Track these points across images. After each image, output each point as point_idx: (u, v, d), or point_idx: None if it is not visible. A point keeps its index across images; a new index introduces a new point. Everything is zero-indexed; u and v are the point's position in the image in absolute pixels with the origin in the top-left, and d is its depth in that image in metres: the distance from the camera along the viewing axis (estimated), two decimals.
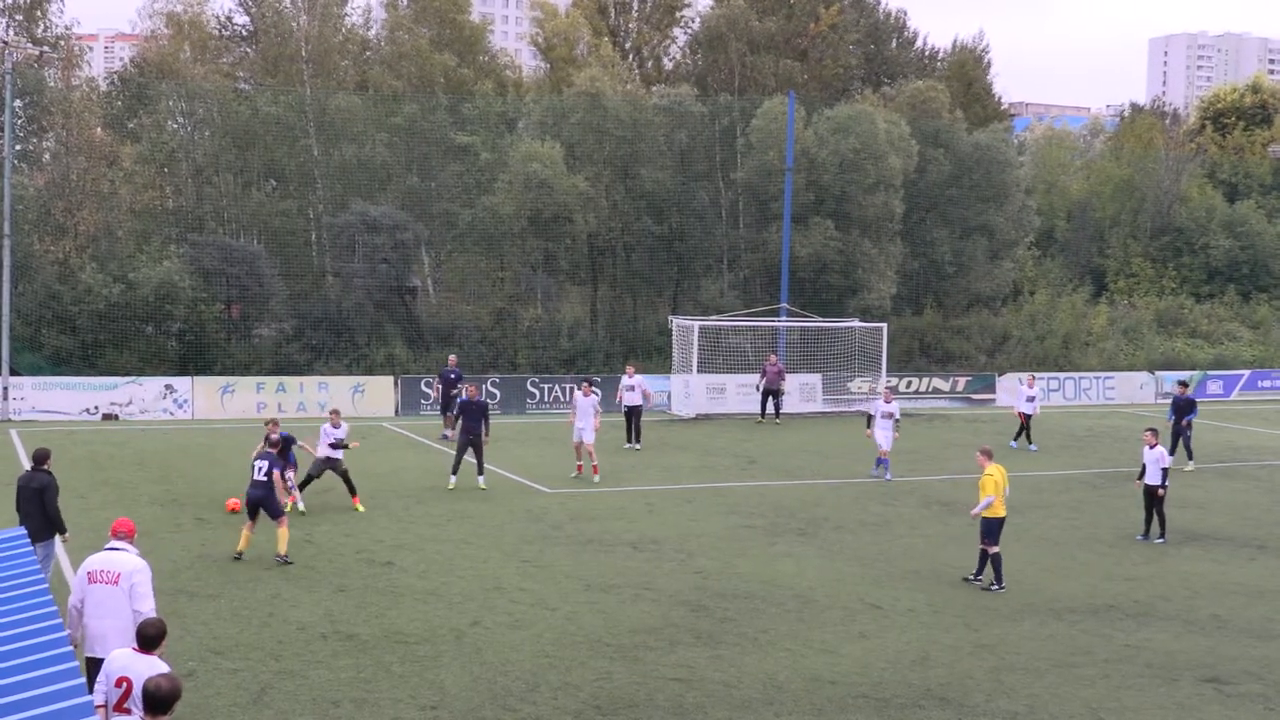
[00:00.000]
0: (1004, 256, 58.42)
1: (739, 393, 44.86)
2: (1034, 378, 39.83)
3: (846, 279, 51.74)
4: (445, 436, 35.88)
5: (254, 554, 21.07)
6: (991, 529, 20.52)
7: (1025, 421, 37.38)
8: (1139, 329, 58.89)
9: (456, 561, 21.36)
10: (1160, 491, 24.33)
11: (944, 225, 56.62)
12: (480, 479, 27.88)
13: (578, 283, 53.74)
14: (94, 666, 11.88)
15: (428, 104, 50.88)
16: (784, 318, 47.14)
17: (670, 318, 46.51)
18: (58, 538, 17.41)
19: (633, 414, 35.64)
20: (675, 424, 41.95)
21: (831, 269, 51.49)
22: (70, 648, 10.15)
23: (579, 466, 29.66)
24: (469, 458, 28.09)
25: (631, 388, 35.86)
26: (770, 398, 42.58)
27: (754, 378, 44.34)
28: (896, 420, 31.37)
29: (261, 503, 20.98)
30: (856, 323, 47.47)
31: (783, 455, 35.21)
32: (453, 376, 36.41)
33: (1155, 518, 24.64)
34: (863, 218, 52.04)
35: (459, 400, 29.11)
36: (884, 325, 46.67)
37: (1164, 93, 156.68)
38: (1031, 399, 37.36)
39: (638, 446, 35.00)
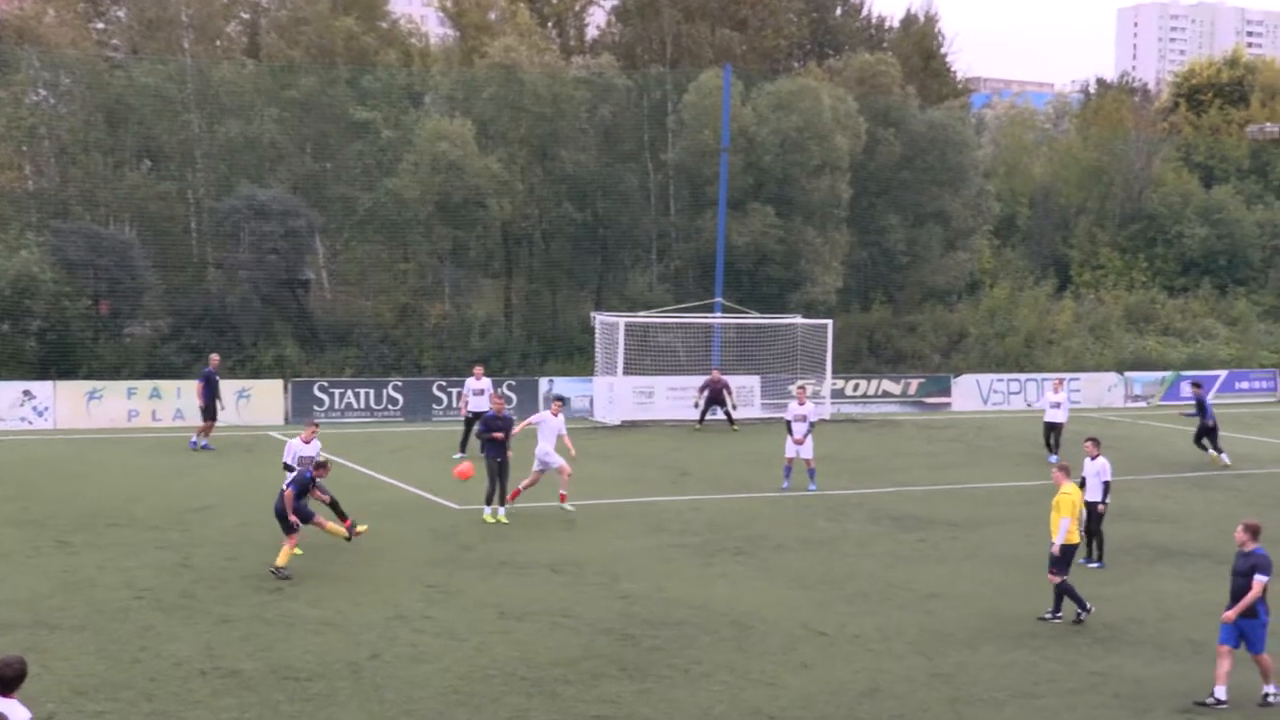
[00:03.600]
0: (960, 246, 58.89)
1: (669, 397, 44.89)
2: (1061, 381, 39.93)
3: (788, 270, 51.92)
4: (194, 445, 35.44)
5: (121, 580, 20.75)
6: (1065, 556, 20.32)
7: (1051, 431, 37.26)
8: (1107, 326, 59.55)
9: (354, 587, 21.19)
10: (1100, 508, 24.27)
11: (895, 212, 56.99)
12: (501, 510, 26.88)
13: (490, 275, 53.54)
14: None
15: (325, 76, 50.49)
16: (719, 313, 47.24)
17: (593, 314, 46.45)
18: None
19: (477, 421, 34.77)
20: (598, 431, 41.87)
21: (772, 260, 51.64)
22: None
23: (514, 492, 27.45)
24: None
25: (480, 392, 35.14)
26: (716, 406, 42.70)
27: (686, 379, 44.43)
28: (811, 425, 31.35)
29: (278, 516, 21.94)
30: (799, 319, 47.63)
31: (718, 466, 35.25)
32: (218, 379, 35.91)
33: (1095, 537, 24.49)
34: (806, 203, 52.25)
35: (486, 415, 27.43)
36: (829, 322, 46.87)
37: (1134, 67, 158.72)
38: (1057, 405, 37.30)
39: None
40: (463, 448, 34.89)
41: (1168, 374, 54.85)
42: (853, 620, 20.09)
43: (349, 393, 42.77)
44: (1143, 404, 53.36)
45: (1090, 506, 24.02)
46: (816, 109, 51.60)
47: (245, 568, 22.28)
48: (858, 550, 25.11)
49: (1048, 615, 20.50)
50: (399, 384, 43.61)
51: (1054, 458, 36.68)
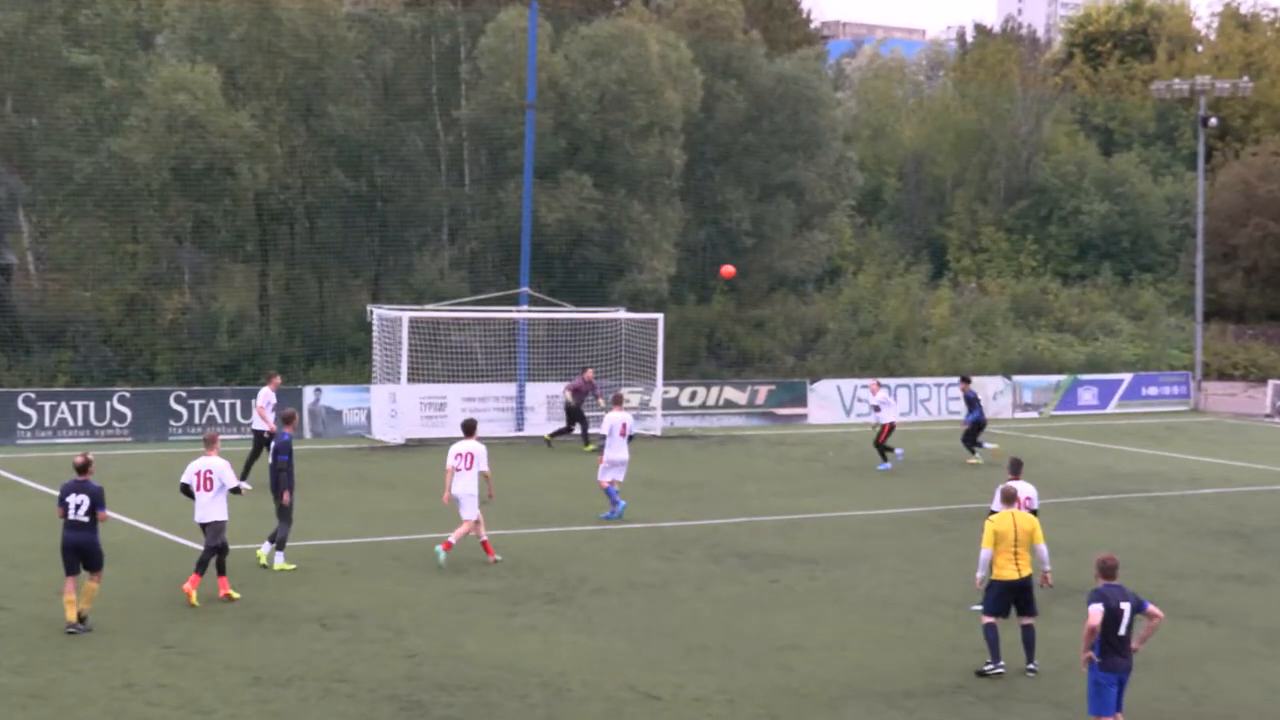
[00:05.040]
0: (817, 225, 59.59)
1: (466, 409, 44.66)
2: (879, 383, 43.59)
3: (610, 254, 52.04)
4: None
5: None
6: (986, 594, 20.67)
7: (887, 434, 40.32)
8: (991, 320, 60.72)
9: (69, 650, 20.76)
10: None
11: (738, 183, 57.45)
12: (279, 555, 26.34)
13: (242, 259, 52.86)
14: None
15: (31, 10, 49.38)
16: (525, 306, 47.14)
17: (370, 307, 46.10)
18: None
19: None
20: (377, 453, 41.54)
21: (589, 240, 51.71)
22: None
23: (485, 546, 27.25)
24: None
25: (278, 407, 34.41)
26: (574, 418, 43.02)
27: (486, 387, 44.35)
28: (630, 439, 31.56)
29: (84, 550, 21.73)
30: (623, 313, 47.77)
31: (526, 494, 35.16)
32: None
33: None
34: (631, 172, 52.40)
35: (283, 438, 26.33)
36: (659, 316, 47.08)
37: (1020, 11, 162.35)
38: (878, 408, 40.84)
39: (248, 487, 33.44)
40: (245, 473, 34.05)
41: (1063, 378, 56.07)
42: (691, 679, 20.15)
43: (63, 406, 41.93)
44: (1034, 414, 54.50)
45: None
46: (642, 57, 51.79)
47: None
48: (696, 594, 25.21)
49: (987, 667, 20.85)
50: (126, 395, 42.83)
51: (888, 464, 39.86)
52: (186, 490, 24.00)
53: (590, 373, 43.82)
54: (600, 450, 31.80)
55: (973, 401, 41.78)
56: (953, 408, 53.08)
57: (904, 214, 68.67)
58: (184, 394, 43.38)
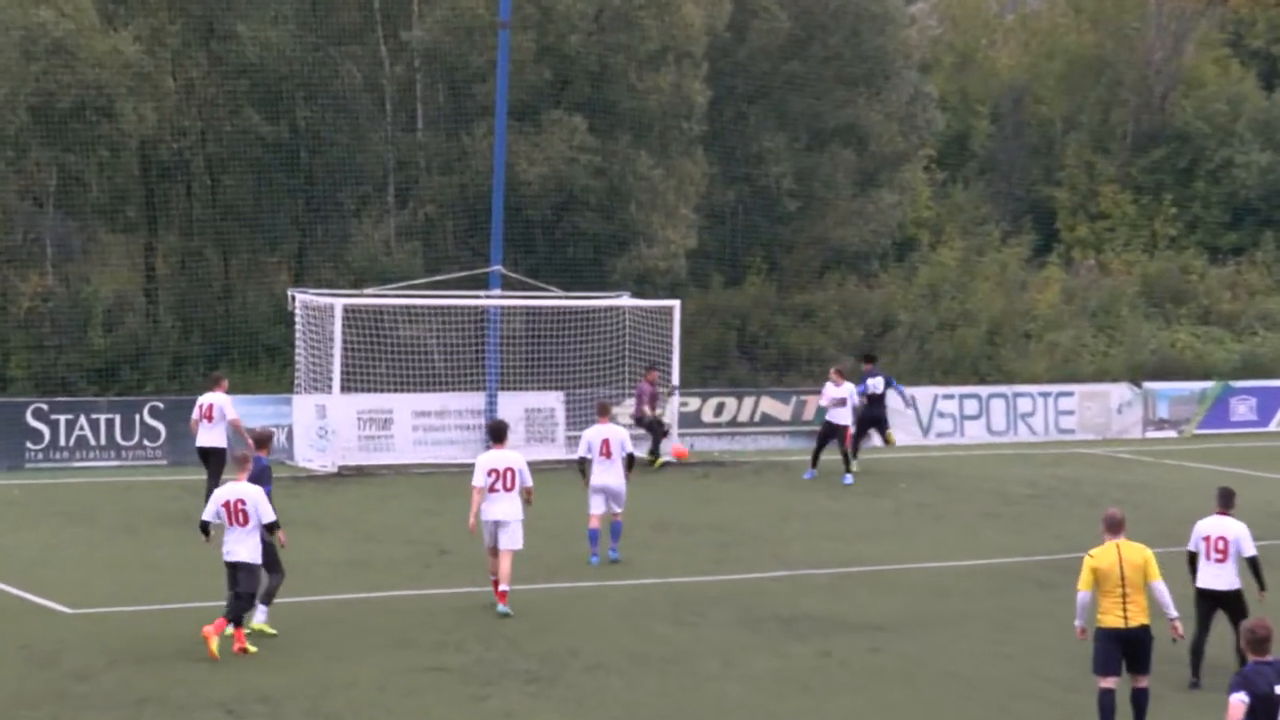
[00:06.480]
0: (884, 183, 59.47)
1: (419, 426, 44.73)
2: (840, 371, 45.13)
3: (610, 221, 51.99)
4: None
5: None
6: (1095, 646, 20.92)
7: (827, 439, 43.54)
8: (1115, 309, 60.52)
9: None
10: (1260, 593, 24.76)
11: (779, 127, 57.39)
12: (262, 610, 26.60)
13: (123, 228, 52.87)
14: None
15: None
16: (497, 290, 47.10)
17: (292, 292, 46.08)
18: None
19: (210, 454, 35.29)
20: (304, 483, 41.56)
21: (583, 203, 51.64)
22: None
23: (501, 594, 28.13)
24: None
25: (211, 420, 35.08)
26: (649, 431, 44.02)
27: (446, 397, 44.46)
28: (628, 457, 31.96)
29: None
30: (627, 299, 47.75)
31: None
32: None
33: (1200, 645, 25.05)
34: (639, 113, 52.32)
35: (260, 463, 26.28)
36: (676, 303, 47.09)
37: None
38: (842, 402, 43.66)
39: None
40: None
41: (1210, 386, 55.83)
42: None
43: None
44: (1172, 433, 54.38)
45: (1228, 600, 24.58)
46: None
47: None
48: (724, 671, 25.19)
49: None
50: None
51: (810, 474, 42.07)
52: (205, 529, 24.85)
53: (655, 374, 44.28)
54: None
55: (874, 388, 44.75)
56: (1064, 424, 53.07)
57: (999, 168, 68.54)
58: (44, 407, 43.30)
